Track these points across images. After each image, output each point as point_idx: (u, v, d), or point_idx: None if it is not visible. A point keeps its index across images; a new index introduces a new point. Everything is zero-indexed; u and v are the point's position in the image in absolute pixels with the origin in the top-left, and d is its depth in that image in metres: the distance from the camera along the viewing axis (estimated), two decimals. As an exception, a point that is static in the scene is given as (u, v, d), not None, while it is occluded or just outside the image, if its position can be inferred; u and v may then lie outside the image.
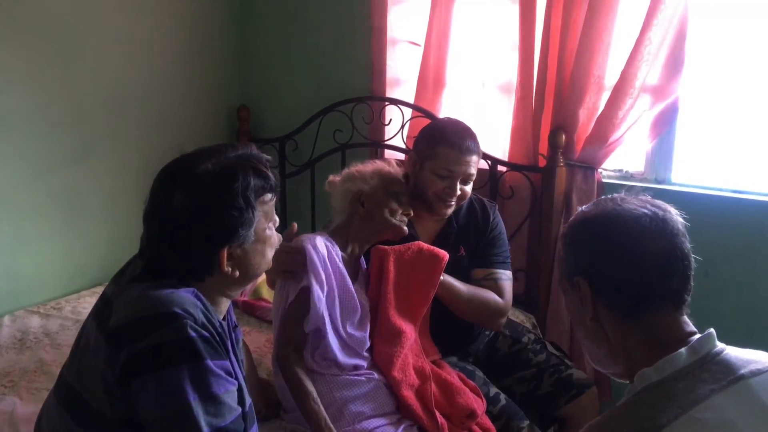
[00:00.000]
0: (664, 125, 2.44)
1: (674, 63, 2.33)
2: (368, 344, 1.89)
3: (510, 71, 2.62)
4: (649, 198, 1.14)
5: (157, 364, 1.12)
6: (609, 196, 1.17)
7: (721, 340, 1.06)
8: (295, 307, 1.78)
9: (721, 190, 2.45)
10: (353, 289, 1.87)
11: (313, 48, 3.18)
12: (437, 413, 1.84)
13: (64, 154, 2.61)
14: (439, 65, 2.76)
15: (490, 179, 2.68)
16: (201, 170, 1.22)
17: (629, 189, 1.19)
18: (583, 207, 1.20)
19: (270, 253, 1.34)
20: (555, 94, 2.52)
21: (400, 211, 1.92)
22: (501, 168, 2.68)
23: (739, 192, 2.41)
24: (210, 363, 1.14)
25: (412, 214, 1.94)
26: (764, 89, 2.36)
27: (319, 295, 1.74)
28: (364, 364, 1.87)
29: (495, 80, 2.72)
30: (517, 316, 2.52)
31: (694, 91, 2.44)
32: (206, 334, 1.17)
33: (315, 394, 1.72)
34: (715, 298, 2.29)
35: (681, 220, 1.10)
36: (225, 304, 1.33)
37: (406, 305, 1.92)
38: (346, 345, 1.84)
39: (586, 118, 2.48)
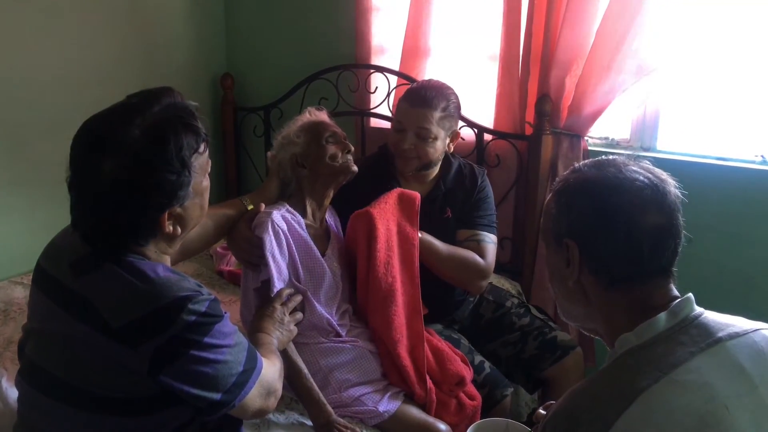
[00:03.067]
0: (650, 92, 2.43)
1: (660, 30, 2.31)
2: (334, 316, 1.88)
3: (497, 39, 2.60)
4: (649, 166, 1.12)
5: (184, 349, 1.18)
6: (610, 158, 1.14)
7: (703, 306, 1.07)
8: (264, 294, 1.77)
9: (705, 157, 2.45)
10: (320, 256, 1.86)
11: (297, 15, 3.13)
12: (427, 377, 1.86)
13: (46, 123, 2.56)
14: (424, 33, 2.72)
15: (476, 147, 2.67)
16: (129, 137, 1.16)
17: (630, 157, 1.15)
18: (582, 165, 1.16)
19: (207, 200, 1.33)
20: (541, 62, 2.50)
21: (341, 152, 1.88)
22: (487, 137, 2.67)
23: (723, 159, 2.42)
24: (218, 324, 1.22)
25: (353, 148, 1.92)
26: (748, 57, 2.35)
27: (279, 283, 1.74)
28: (343, 332, 1.88)
29: (481, 48, 2.69)
30: (503, 284, 2.53)
31: (680, 59, 2.42)
32: (206, 301, 1.21)
33: (306, 371, 1.72)
34: (698, 264, 2.30)
35: (678, 192, 1.09)
36: (168, 260, 1.33)
37: (399, 255, 1.91)
38: (323, 306, 1.85)
39: (573, 86, 2.46)
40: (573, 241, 1.10)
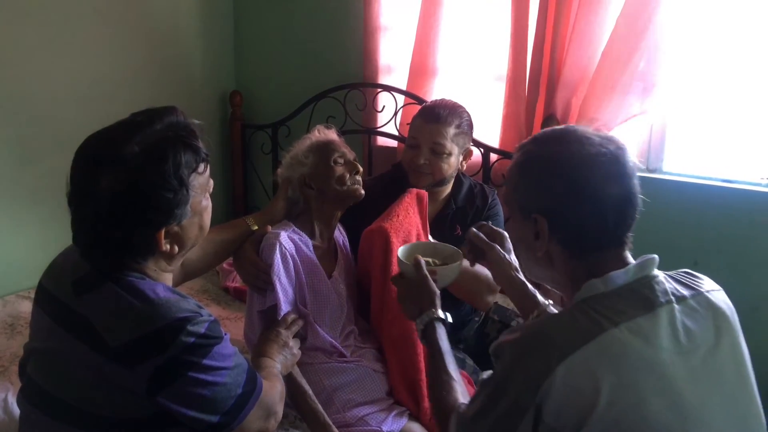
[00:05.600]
0: (656, 114, 2.44)
1: (666, 52, 2.33)
2: (337, 338, 1.87)
3: (504, 59, 2.61)
4: (607, 134, 1.17)
5: (183, 371, 1.17)
6: (569, 129, 1.18)
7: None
8: (269, 318, 1.76)
9: (711, 179, 2.45)
10: (326, 278, 1.85)
11: (306, 34, 3.16)
12: None
13: (57, 138, 2.59)
14: (431, 52, 2.74)
15: (482, 167, 2.68)
16: (127, 153, 1.16)
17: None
18: (543, 137, 1.20)
19: (207, 220, 1.32)
20: (548, 83, 2.52)
21: (349, 174, 1.87)
22: (494, 156, 2.68)
23: (729, 181, 2.42)
24: (218, 346, 1.21)
25: (361, 170, 1.91)
26: (754, 79, 2.36)
27: (286, 307, 1.73)
28: (347, 353, 1.87)
29: (488, 68, 2.71)
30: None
31: (686, 80, 2.43)
32: (205, 323, 1.20)
33: (311, 392, 1.71)
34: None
35: (634, 159, 1.15)
36: (169, 278, 1.32)
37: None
38: (328, 328, 1.84)
39: (579, 106, 2.48)
40: (542, 217, 1.15)
